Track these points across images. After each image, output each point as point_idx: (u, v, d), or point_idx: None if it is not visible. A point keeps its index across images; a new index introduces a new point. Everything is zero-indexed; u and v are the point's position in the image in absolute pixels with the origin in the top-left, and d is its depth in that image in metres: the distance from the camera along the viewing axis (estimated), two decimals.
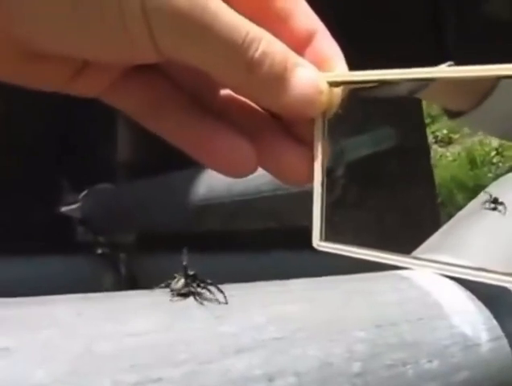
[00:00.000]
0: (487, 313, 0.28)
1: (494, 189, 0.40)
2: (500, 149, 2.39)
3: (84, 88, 0.26)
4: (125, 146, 0.92)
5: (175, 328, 0.18)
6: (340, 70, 0.27)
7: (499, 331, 0.27)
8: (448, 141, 2.57)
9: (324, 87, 0.26)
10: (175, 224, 0.73)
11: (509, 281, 0.24)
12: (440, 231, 0.37)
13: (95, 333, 0.17)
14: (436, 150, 2.51)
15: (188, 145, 0.27)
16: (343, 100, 0.27)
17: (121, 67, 0.27)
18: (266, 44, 0.24)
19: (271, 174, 0.28)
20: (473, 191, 2.09)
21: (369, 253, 0.28)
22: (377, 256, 0.27)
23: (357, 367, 0.21)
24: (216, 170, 0.27)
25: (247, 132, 0.27)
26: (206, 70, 0.24)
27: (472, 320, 0.27)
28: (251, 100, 0.28)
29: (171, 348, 0.17)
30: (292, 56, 0.25)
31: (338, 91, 0.27)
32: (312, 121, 0.27)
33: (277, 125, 0.28)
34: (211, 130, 0.27)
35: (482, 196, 0.39)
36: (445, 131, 2.56)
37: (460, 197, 2.21)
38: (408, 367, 0.23)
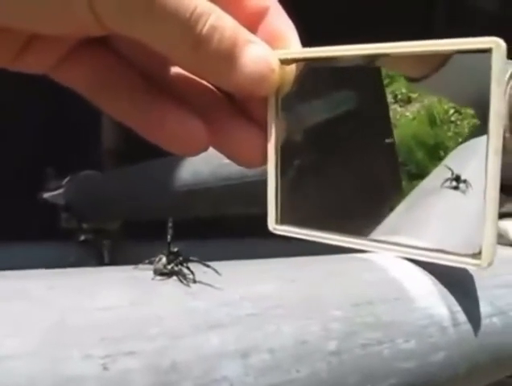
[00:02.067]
0: (456, 295, 0.28)
1: (453, 162, 0.39)
2: (458, 107, 2.38)
3: (32, 63, 0.26)
4: (110, 132, 0.92)
5: (148, 303, 0.18)
6: (294, 47, 0.26)
7: (474, 313, 0.27)
8: (407, 101, 2.57)
9: (276, 64, 0.25)
10: (161, 211, 0.73)
11: (467, 262, 0.24)
12: (398, 211, 0.36)
13: (66, 306, 0.17)
14: (396, 110, 2.51)
15: (140, 125, 0.27)
16: (296, 77, 0.27)
17: (69, 42, 0.26)
18: (215, 19, 0.23)
19: (225, 155, 0.28)
20: (433, 149, 2.20)
21: (328, 237, 0.27)
22: (337, 240, 0.27)
23: (332, 345, 0.21)
24: (168, 149, 0.27)
25: (199, 111, 0.27)
26: (152, 45, 0.24)
27: (446, 301, 0.27)
28: (200, 77, 0.27)
29: (143, 322, 0.17)
30: (243, 32, 0.24)
31: (291, 68, 0.26)
32: (265, 99, 0.27)
33: (230, 104, 0.27)
34: (162, 109, 0.26)
35: (442, 171, 0.37)
36: (404, 90, 2.55)
37: (420, 155, 2.20)
38: (384, 345, 0.23)
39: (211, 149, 0.28)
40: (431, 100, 2.49)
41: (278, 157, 0.28)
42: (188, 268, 0.19)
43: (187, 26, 0.23)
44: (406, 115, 2.51)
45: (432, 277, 0.27)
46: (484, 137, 0.23)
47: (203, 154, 0.28)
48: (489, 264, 0.23)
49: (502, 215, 0.46)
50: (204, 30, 0.23)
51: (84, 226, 0.84)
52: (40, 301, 0.16)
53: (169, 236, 0.21)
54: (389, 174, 0.64)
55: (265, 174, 0.29)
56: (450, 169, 0.36)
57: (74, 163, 0.85)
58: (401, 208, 0.36)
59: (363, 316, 0.22)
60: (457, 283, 0.28)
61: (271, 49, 0.26)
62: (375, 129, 0.60)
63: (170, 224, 0.22)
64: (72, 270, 0.19)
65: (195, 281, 0.19)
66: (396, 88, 2.51)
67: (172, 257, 0.19)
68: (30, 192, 0.84)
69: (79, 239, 0.84)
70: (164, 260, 0.20)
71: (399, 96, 2.56)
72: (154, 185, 0.72)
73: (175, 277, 0.19)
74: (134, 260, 0.21)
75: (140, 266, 0.20)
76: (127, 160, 0.79)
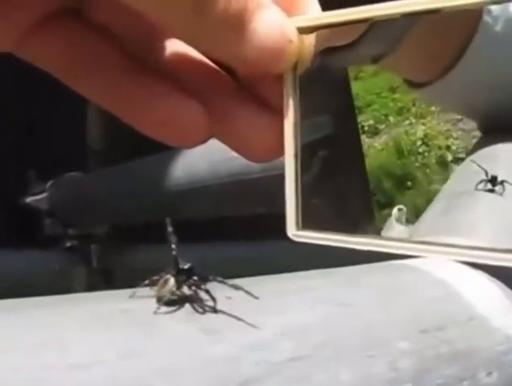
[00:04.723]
0: None
1: (483, 160, 0.36)
2: (425, 139, 2.45)
3: None
4: (96, 130, 0.87)
5: (147, 352, 0.12)
6: (313, 12, 0.22)
7: None
8: (374, 132, 2.63)
9: (294, 34, 0.21)
10: (152, 213, 0.69)
11: None
12: (430, 214, 0.32)
13: (25, 363, 0.11)
14: (364, 141, 2.61)
15: (125, 111, 0.23)
16: (317, 49, 0.22)
17: (37, 10, 0.22)
18: None
19: (229, 146, 0.23)
20: (401, 179, 2.30)
21: (363, 241, 0.22)
22: (376, 244, 0.22)
23: None
24: (160, 139, 0.22)
25: (198, 93, 0.22)
26: (140, 9, 0.20)
27: None
28: (200, 50, 0.23)
29: (141, 383, 0.11)
30: None
31: (311, 38, 0.22)
32: (280, 78, 0.22)
33: (235, 84, 0.23)
34: (151, 91, 0.22)
35: (473, 170, 0.34)
36: (372, 122, 2.61)
37: (388, 184, 2.27)
38: (464, 383, 0.17)
39: (209, 142, 0.23)
40: (398, 132, 2.57)
41: (299, 147, 0.23)
42: (208, 291, 0.13)
43: None
44: (375, 146, 2.56)
45: (502, 285, 0.22)
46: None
47: (200, 148, 0.23)
48: None
49: None
50: None
51: (70, 231, 0.82)
52: None
53: (173, 246, 0.15)
54: (361, 199, 0.62)
55: (274, 168, 0.24)
56: (484, 170, 0.34)
57: (58, 165, 0.81)
58: (433, 212, 0.32)
59: (436, 346, 0.17)
60: None
61: (287, 16, 0.21)
62: (348, 153, 0.59)
63: (170, 229, 0.16)
64: (34, 301, 0.13)
65: (216, 311, 0.13)
66: (364, 119, 2.57)
67: (183, 278, 0.14)
68: (11, 197, 0.80)
69: (64, 245, 0.81)
70: (172, 281, 0.14)
71: (367, 128, 2.60)
72: (144, 184, 0.68)
73: (187, 305, 0.13)
74: (125, 266, 0.15)
75: (138, 291, 0.14)
76: (113, 160, 0.75)
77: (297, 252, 0.39)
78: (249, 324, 0.13)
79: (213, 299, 0.13)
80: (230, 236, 0.60)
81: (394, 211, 1.09)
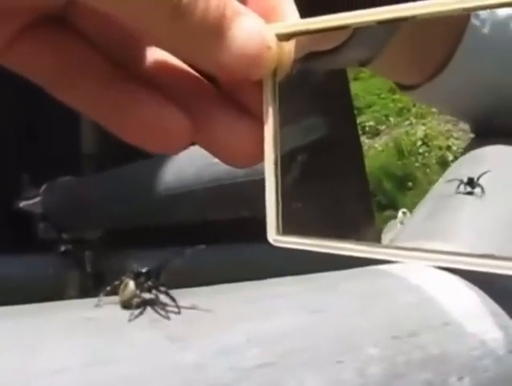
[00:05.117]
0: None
1: (457, 172, 0.36)
2: (426, 140, 2.43)
3: None
4: (89, 135, 0.87)
5: (112, 359, 0.12)
6: (291, 19, 0.22)
7: None
8: (375, 133, 2.60)
9: (272, 40, 0.21)
10: (143, 217, 0.69)
11: None
12: (416, 218, 0.32)
13: None
14: (364, 142, 2.59)
15: (107, 118, 0.23)
16: (297, 56, 0.22)
17: (21, 18, 0.22)
18: None
19: (210, 152, 0.23)
20: (401, 180, 2.28)
21: (344, 246, 0.22)
22: (356, 250, 0.22)
23: None
24: (142, 146, 0.22)
25: (179, 100, 0.22)
26: (121, 16, 0.20)
27: (500, 321, 0.22)
28: (180, 57, 0.23)
29: None
30: (232, 2, 0.20)
31: (290, 45, 0.22)
32: (260, 84, 0.22)
33: (216, 91, 0.23)
34: (134, 98, 0.22)
35: (457, 173, 0.35)
36: (372, 122, 2.58)
37: (388, 185, 2.25)
38: None
39: (196, 147, 0.23)
40: (398, 132, 2.54)
41: (278, 153, 0.23)
42: (167, 293, 0.14)
43: None
44: (375, 147, 2.54)
45: (479, 291, 0.22)
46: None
47: (187, 153, 0.23)
48: None
49: None
50: None
51: (64, 236, 0.82)
52: None
53: (133, 259, 0.15)
54: (361, 201, 0.62)
55: (257, 173, 0.24)
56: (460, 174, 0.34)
57: (51, 170, 0.81)
58: (418, 216, 0.32)
59: (407, 352, 0.17)
60: (510, 296, 0.22)
61: (265, 23, 0.21)
62: (346, 156, 0.59)
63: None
64: (9, 310, 0.14)
65: (179, 312, 0.13)
66: (364, 119, 2.55)
67: (142, 280, 0.14)
68: (5, 201, 0.80)
69: (58, 250, 0.81)
70: (132, 285, 0.14)
71: (367, 129, 2.58)
72: (135, 189, 0.68)
73: (151, 311, 0.14)
74: (118, 269, 0.15)
75: (103, 299, 0.14)
76: (107, 164, 0.75)
77: (281, 255, 0.39)
78: (214, 328, 0.13)
79: (173, 300, 0.14)
80: (214, 240, 0.60)
81: (400, 214, 1.11)
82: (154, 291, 0.14)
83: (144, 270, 0.14)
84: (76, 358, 0.12)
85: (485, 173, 0.32)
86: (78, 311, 0.14)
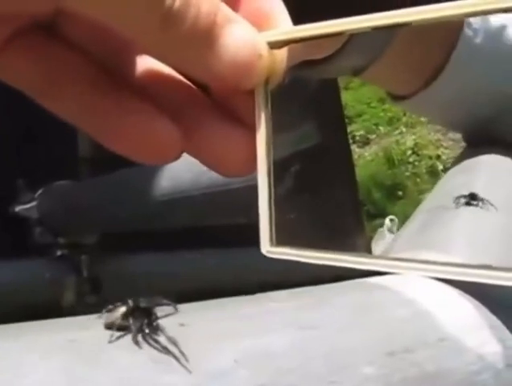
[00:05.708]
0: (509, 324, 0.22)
1: (452, 183, 0.36)
2: (415, 149, 2.46)
3: None
4: (86, 139, 0.87)
5: (93, 383, 0.11)
6: (284, 26, 0.22)
7: None
8: (365, 142, 2.63)
9: (264, 48, 0.21)
10: (140, 222, 0.69)
11: None
12: (409, 230, 0.31)
13: None
14: (354, 150, 2.59)
15: (95, 128, 0.22)
16: (289, 64, 0.22)
17: (8, 26, 0.22)
18: None
19: (203, 163, 0.23)
20: (391, 189, 2.30)
21: (338, 258, 0.21)
22: (352, 261, 0.21)
23: None
24: (132, 157, 0.22)
25: (170, 109, 0.22)
26: (110, 24, 0.19)
27: (498, 334, 0.21)
28: (171, 66, 0.23)
29: None
30: (223, 9, 0.20)
31: (282, 53, 0.22)
32: (251, 93, 0.22)
33: (208, 100, 0.23)
34: (124, 108, 0.22)
35: (452, 185, 0.34)
36: (362, 132, 2.61)
37: (378, 195, 2.26)
38: None
39: None
40: (388, 141, 2.56)
41: (271, 162, 0.22)
42: (158, 328, 0.13)
43: None
44: (365, 156, 2.56)
45: (476, 302, 0.22)
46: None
47: (184, 158, 0.23)
48: None
49: None
50: (176, 4, 0.19)
51: (60, 240, 0.81)
52: None
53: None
54: (351, 210, 0.62)
55: (253, 179, 0.24)
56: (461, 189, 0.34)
57: (47, 174, 0.81)
58: (411, 227, 0.31)
59: (403, 369, 0.16)
60: (508, 308, 0.22)
61: (257, 30, 0.21)
62: (337, 165, 0.59)
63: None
64: None
65: (168, 352, 0.13)
66: (354, 129, 2.57)
67: (137, 314, 0.13)
68: (1, 206, 0.79)
69: (55, 254, 0.80)
70: (123, 310, 0.13)
71: (357, 138, 2.61)
72: (132, 194, 0.68)
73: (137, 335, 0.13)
74: (114, 274, 0.15)
75: (89, 320, 0.14)
76: (104, 169, 0.75)
77: (277, 261, 0.39)
78: (201, 350, 0.13)
79: (168, 341, 0.13)
80: (210, 245, 0.59)
81: (387, 221, 1.09)
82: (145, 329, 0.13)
83: (143, 305, 0.14)
84: (60, 380, 0.11)
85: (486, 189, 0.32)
86: (61, 333, 0.13)
